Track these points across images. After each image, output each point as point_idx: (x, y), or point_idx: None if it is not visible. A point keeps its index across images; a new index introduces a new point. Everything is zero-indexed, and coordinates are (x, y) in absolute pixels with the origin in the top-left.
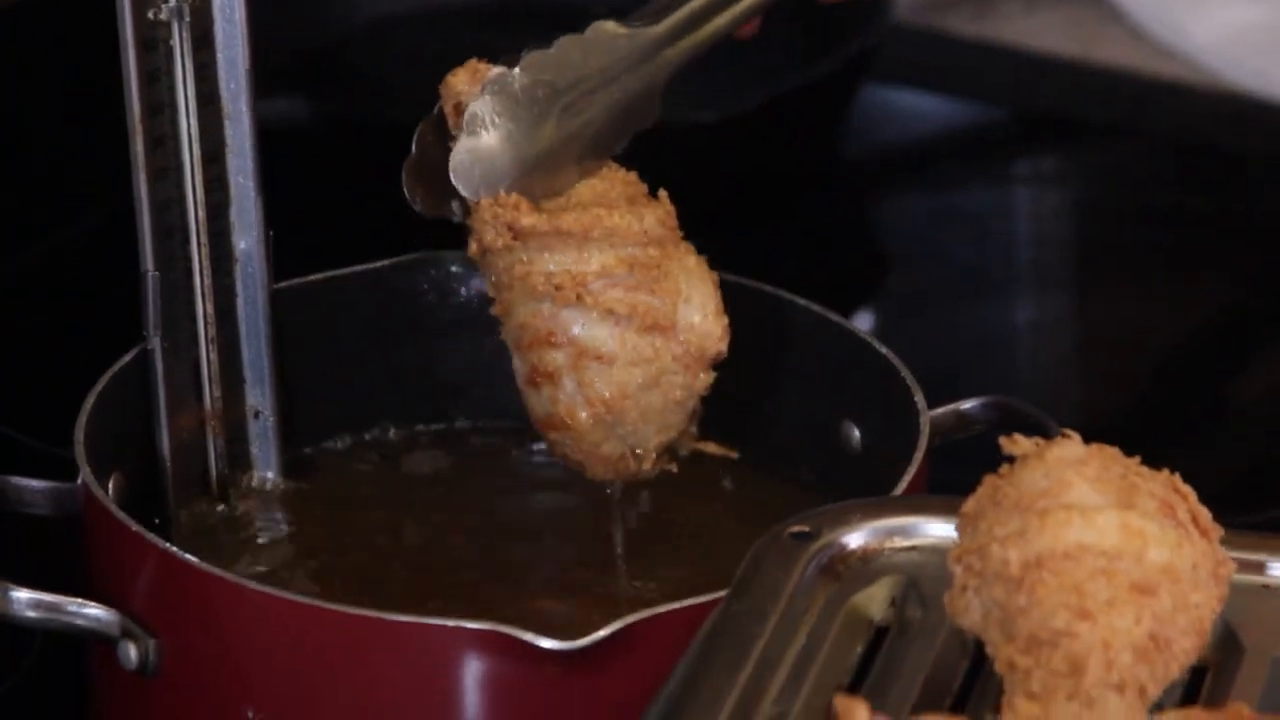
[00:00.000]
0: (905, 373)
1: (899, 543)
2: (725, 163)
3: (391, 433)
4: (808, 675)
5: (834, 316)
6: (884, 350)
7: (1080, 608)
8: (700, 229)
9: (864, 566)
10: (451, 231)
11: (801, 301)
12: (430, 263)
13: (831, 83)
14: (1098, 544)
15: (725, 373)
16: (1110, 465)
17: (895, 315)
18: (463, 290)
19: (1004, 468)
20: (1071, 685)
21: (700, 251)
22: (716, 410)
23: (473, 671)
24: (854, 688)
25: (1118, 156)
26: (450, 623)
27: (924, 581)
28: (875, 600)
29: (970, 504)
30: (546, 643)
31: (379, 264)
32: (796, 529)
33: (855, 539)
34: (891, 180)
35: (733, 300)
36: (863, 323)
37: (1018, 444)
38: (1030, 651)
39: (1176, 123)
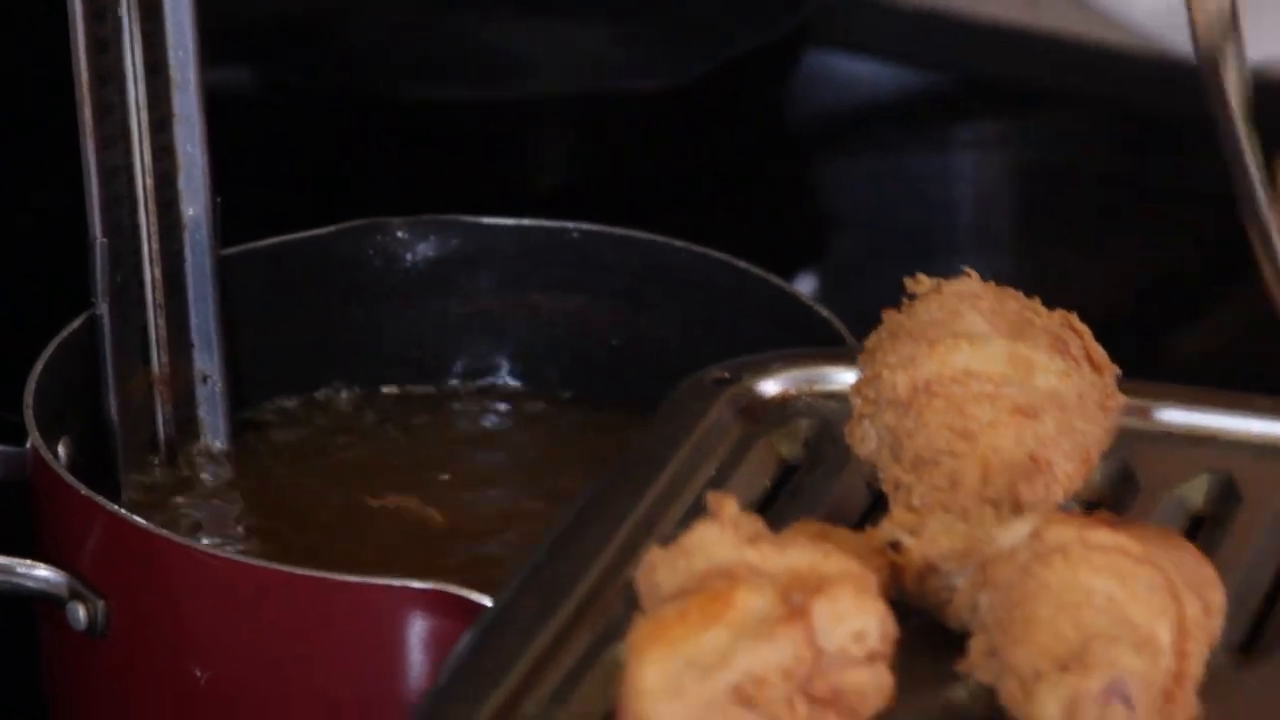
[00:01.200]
0: (847, 335)
1: (816, 389)
2: (670, 130)
3: (341, 394)
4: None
5: (775, 280)
6: (825, 313)
7: (963, 428)
8: (645, 195)
9: (781, 411)
10: (395, 199)
11: (743, 265)
12: (376, 229)
13: (776, 50)
14: (984, 370)
15: (670, 333)
16: (1005, 301)
17: (837, 278)
18: (408, 255)
19: (904, 303)
20: (948, 499)
21: (646, 218)
22: (663, 369)
23: (418, 630)
24: (768, 503)
25: (1059, 121)
26: (396, 582)
27: (837, 425)
28: (788, 440)
29: (871, 339)
30: (490, 600)
31: (326, 230)
32: (717, 375)
33: (773, 385)
34: (834, 146)
35: (677, 263)
36: (805, 285)
37: (920, 282)
38: (914, 470)
39: (1118, 89)
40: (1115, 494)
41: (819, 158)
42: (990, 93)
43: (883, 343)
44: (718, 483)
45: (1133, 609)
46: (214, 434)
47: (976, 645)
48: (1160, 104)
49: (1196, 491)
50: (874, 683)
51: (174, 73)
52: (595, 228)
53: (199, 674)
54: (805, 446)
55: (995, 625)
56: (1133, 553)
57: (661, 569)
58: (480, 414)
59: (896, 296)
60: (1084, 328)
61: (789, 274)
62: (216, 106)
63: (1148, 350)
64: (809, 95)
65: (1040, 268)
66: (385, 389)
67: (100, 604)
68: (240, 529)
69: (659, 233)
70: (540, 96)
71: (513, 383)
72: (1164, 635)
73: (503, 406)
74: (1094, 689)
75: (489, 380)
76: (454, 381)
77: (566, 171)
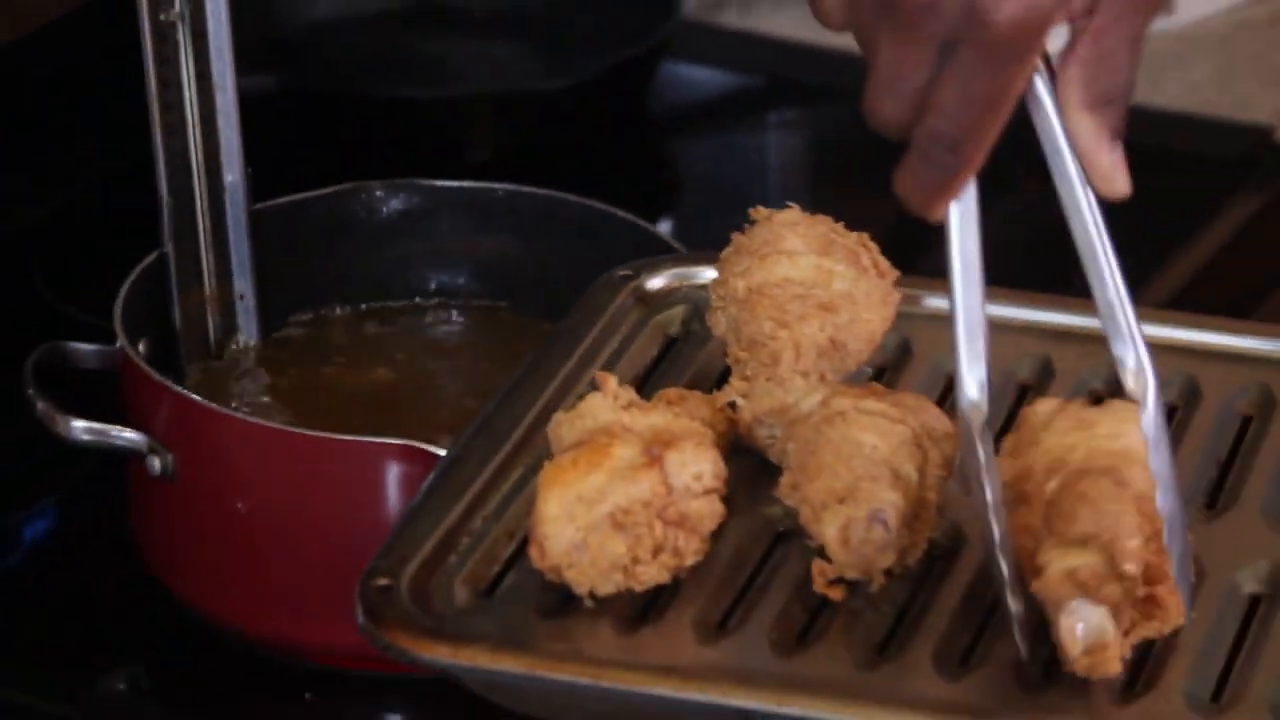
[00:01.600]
0: None
1: (691, 283)
2: (565, 118)
3: (337, 311)
4: (615, 367)
5: (642, 223)
6: (677, 244)
7: (781, 320)
8: (549, 167)
9: (667, 298)
10: (374, 168)
11: (620, 213)
12: (361, 189)
13: (642, 59)
14: (797, 277)
15: (569, 261)
16: (816, 225)
17: (688, 222)
18: (384, 209)
19: (746, 227)
20: (770, 371)
21: (550, 181)
22: (567, 287)
23: (393, 474)
24: (648, 375)
25: (839, 109)
26: (379, 440)
27: (704, 309)
28: (672, 320)
29: (725, 252)
30: (445, 452)
31: (325, 190)
32: (622, 272)
33: (661, 280)
34: (684, 128)
35: (573, 212)
36: (663, 227)
37: (759, 212)
38: (748, 349)
39: None
40: (897, 361)
41: (673, 137)
42: (791, 90)
43: (730, 256)
44: (620, 353)
45: (890, 457)
46: (249, 336)
47: (785, 480)
48: None
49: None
50: (710, 509)
51: (216, 79)
52: (515, 187)
53: (240, 506)
54: (683, 325)
55: (797, 467)
56: (891, 415)
57: (563, 426)
58: (440, 321)
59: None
60: (873, 245)
61: (652, 219)
62: (246, 104)
63: (902, 262)
64: (666, 92)
65: (825, 210)
66: (370, 305)
67: (169, 457)
68: (267, 401)
69: (560, 190)
70: (470, 94)
71: (462, 299)
72: (912, 475)
73: (456, 315)
74: (860, 516)
75: (446, 297)
76: (419, 299)
77: (492, 148)
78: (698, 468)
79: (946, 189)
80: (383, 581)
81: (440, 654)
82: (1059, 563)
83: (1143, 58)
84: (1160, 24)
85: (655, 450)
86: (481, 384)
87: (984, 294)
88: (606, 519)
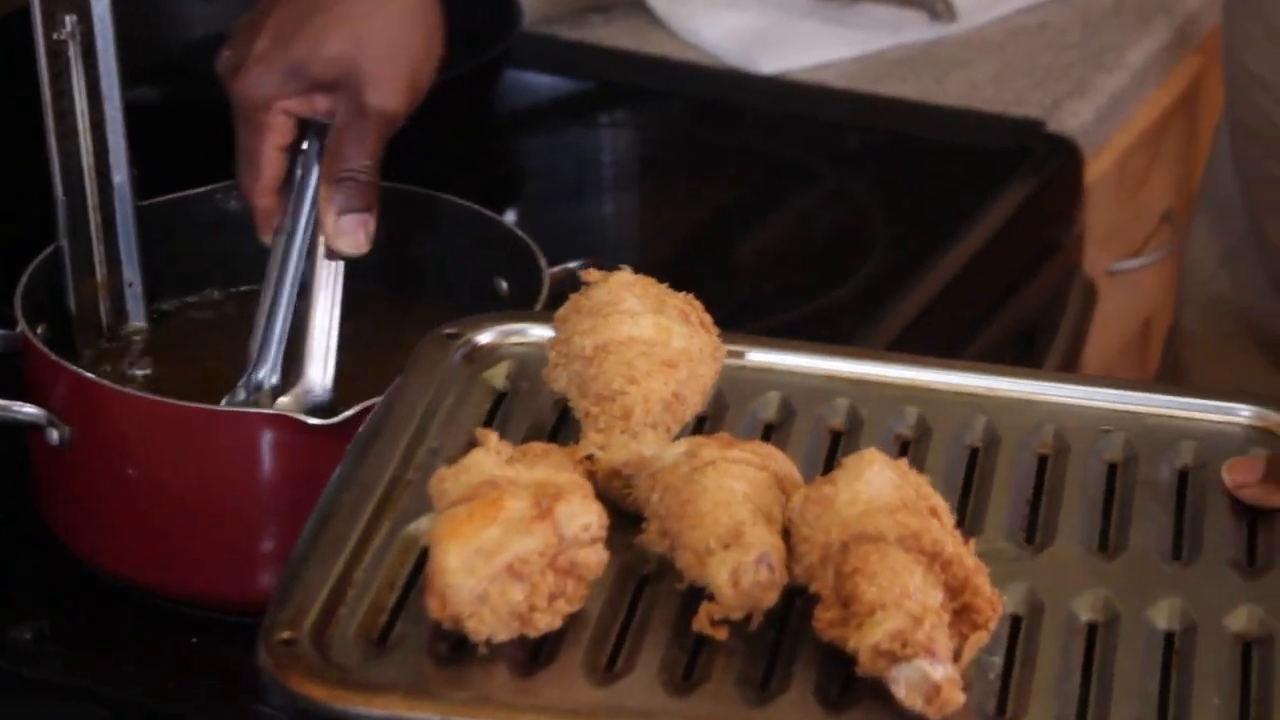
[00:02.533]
0: (534, 246)
1: (515, 339)
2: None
3: (216, 295)
4: (454, 422)
5: (489, 213)
6: (520, 232)
7: (630, 376)
8: (406, 165)
9: (492, 354)
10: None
11: (470, 205)
12: (233, 187)
13: (488, 67)
14: (641, 336)
15: (435, 249)
16: (649, 286)
17: (529, 210)
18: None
19: (583, 289)
20: (623, 425)
21: (412, 177)
22: (435, 272)
23: (267, 442)
24: (489, 423)
25: (663, 109)
26: (253, 410)
27: (529, 365)
28: (498, 376)
29: (560, 311)
30: (313, 421)
31: (203, 189)
32: (448, 331)
33: (486, 337)
34: (525, 129)
35: (424, 204)
36: (509, 216)
37: (591, 274)
38: (598, 404)
39: (699, 89)
40: (715, 411)
41: (515, 136)
42: (620, 92)
43: (570, 315)
44: (456, 408)
45: (760, 502)
46: (138, 319)
47: (652, 528)
48: (725, 96)
49: (767, 408)
50: (597, 557)
51: (104, 91)
52: (385, 184)
53: (130, 471)
54: (508, 379)
55: (667, 514)
56: (754, 462)
57: (448, 481)
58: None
59: (564, 220)
60: (698, 303)
61: (500, 210)
62: (131, 113)
63: (721, 251)
64: (508, 97)
65: (653, 200)
66: (245, 290)
67: (67, 429)
68: (154, 379)
69: (421, 186)
70: None
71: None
72: (779, 518)
73: None
74: (749, 560)
75: None
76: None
77: None
78: (586, 518)
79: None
80: (285, 635)
81: (356, 704)
82: (863, 643)
83: (930, 60)
84: (942, 31)
85: (545, 502)
86: (349, 362)
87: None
88: (505, 570)
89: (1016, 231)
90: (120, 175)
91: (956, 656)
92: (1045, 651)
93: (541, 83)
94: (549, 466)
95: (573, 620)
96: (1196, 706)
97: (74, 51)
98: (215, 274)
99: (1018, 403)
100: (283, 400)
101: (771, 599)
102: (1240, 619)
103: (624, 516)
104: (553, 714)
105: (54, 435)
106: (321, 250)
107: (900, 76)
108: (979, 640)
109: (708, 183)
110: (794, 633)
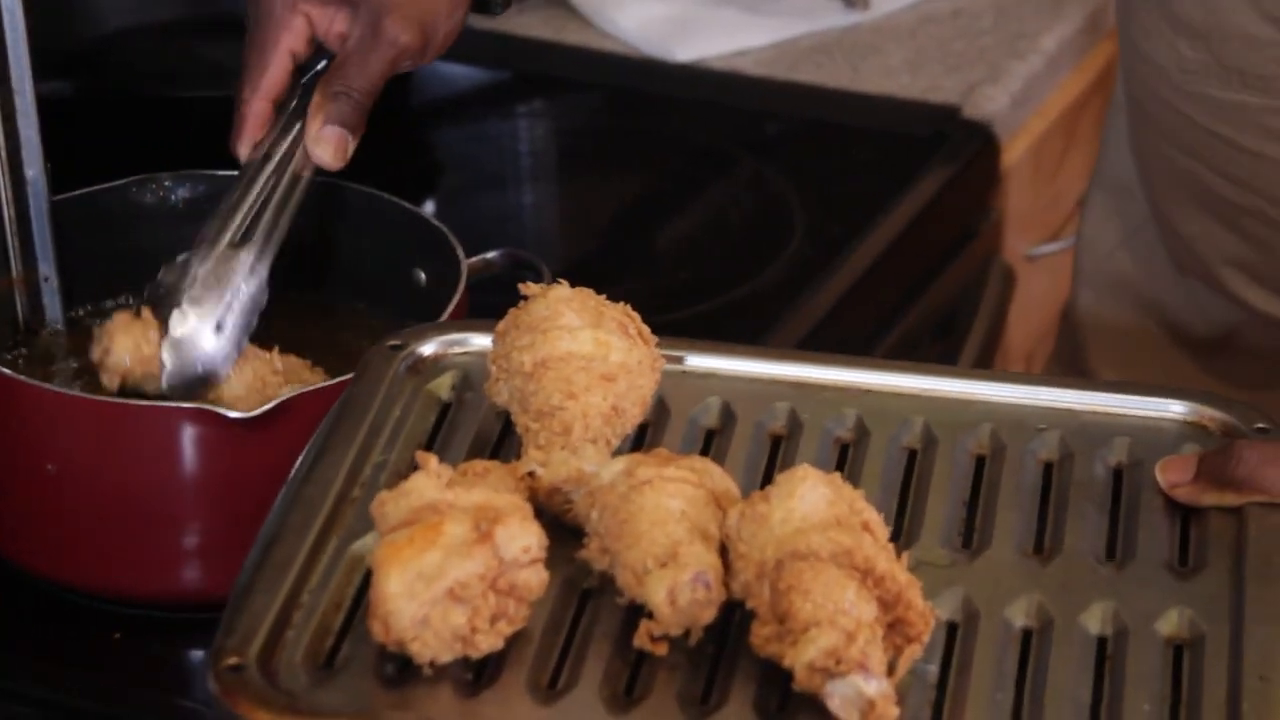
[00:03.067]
0: (451, 237)
1: (458, 350)
2: None
3: (129, 300)
4: (400, 435)
5: (408, 205)
6: (438, 223)
7: (569, 391)
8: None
9: (436, 365)
10: (162, 162)
11: (387, 196)
12: (151, 180)
13: None
14: (579, 351)
15: (354, 240)
16: (587, 300)
17: (447, 201)
18: (172, 197)
19: (521, 303)
20: (563, 440)
21: (323, 174)
22: (337, 267)
23: (189, 435)
24: (430, 442)
25: (579, 99)
26: (173, 404)
27: (474, 375)
28: (443, 387)
29: (500, 325)
30: (234, 414)
31: (119, 182)
32: (392, 343)
33: (430, 348)
34: (441, 119)
35: (341, 196)
36: (427, 207)
37: (529, 288)
38: (538, 419)
39: (615, 78)
40: (657, 418)
41: (431, 127)
42: (536, 82)
43: (509, 330)
44: (402, 422)
45: (697, 520)
46: (54, 314)
47: (592, 545)
48: (642, 85)
49: (708, 414)
50: (537, 578)
51: (15, 84)
52: None
53: (50, 467)
54: (453, 390)
55: (606, 533)
56: (690, 480)
57: (389, 505)
58: None
59: (483, 211)
60: (635, 314)
61: (417, 201)
62: (44, 106)
63: (641, 241)
64: (424, 88)
65: (569, 191)
66: None
67: None
68: (72, 376)
69: (337, 178)
70: None
71: None
72: (716, 535)
73: None
74: (685, 579)
75: None
76: None
77: None
78: (525, 540)
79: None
80: (233, 661)
81: None
82: (798, 660)
83: (845, 47)
84: (857, 18)
85: (484, 526)
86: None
87: None
88: (446, 594)
89: (934, 217)
90: (34, 169)
91: (891, 670)
92: (980, 659)
93: (457, 73)
94: (489, 487)
95: (516, 639)
96: (1127, 713)
97: None
98: (133, 269)
99: (955, 402)
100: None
101: (709, 616)
102: (1171, 622)
103: (566, 531)
104: None
105: None
106: (293, 164)
107: (816, 63)
108: (913, 654)
109: (625, 172)
110: (734, 648)
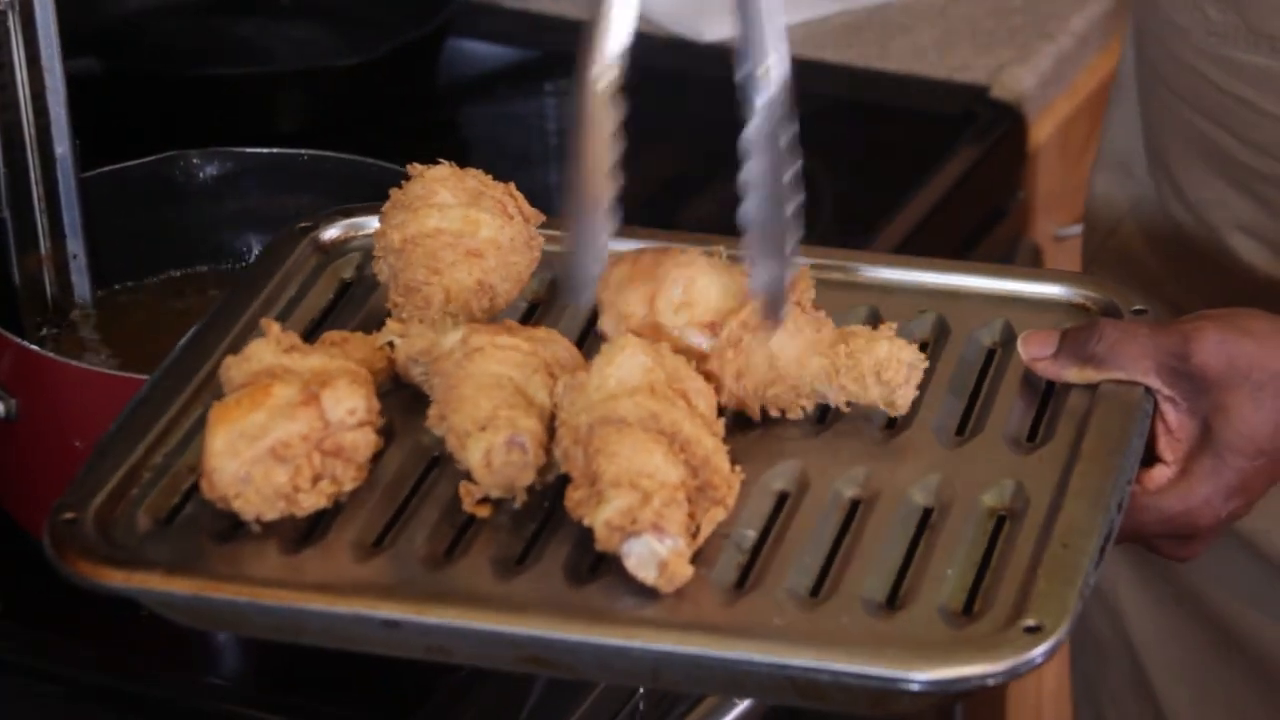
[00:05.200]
0: None
1: (364, 232)
2: (364, 89)
3: (167, 273)
4: (294, 311)
5: None
6: None
7: (433, 267)
8: (351, 135)
9: (344, 246)
10: (191, 138)
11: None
12: (180, 157)
13: (430, 37)
14: (447, 228)
15: None
16: (465, 180)
17: None
18: (200, 174)
19: (403, 182)
20: (424, 314)
21: (348, 145)
22: None
23: None
24: (323, 317)
25: None
26: None
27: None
28: (347, 266)
29: (385, 206)
30: None
31: (148, 159)
32: (302, 224)
33: (336, 230)
34: (467, 98)
35: (367, 173)
36: None
37: (413, 169)
38: (405, 295)
39: (643, 57)
40: (548, 295)
41: (460, 106)
42: (564, 62)
43: (389, 210)
44: (298, 298)
45: (524, 386)
46: (82, 291)
47: (432, 411)
48: (670, 63)
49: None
50: (364, 440)
51: (45, 62)
52: (318, 153)
53: (78, 443)
54: (356, 270)
55: (441, 400)
56: (523, 349)
57: (232, 369)
58: None
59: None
60: (520, 195)
61: None
62: (72, 83)
63: (668, 221)
64: (451, 65)
65: None
66: (188, 259)
67: (13, 401)
68: (98, 351)
69: (357, 153)
70: (277, 71)
71: None
72: (546, 402)
73: None
74: (500, 441)
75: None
76: (233, 254)
77: (300, 118)
78: (351, 403)
79: None
80: (69, 515)
81: (116, 579)
82: (596, 519)
83: (874, 26)
84: None
85: (312, 389)
86: None
87: None
88: (268, 452)
89: (962, 197)
90: (62, 146)
91: (696, 533)
92: (799, 526)
93: (485, 52)
94: (345, 356)
95: (353, 500)
96: (929, 577)
97: (14, 22)
98: (161, 247)
99: (843, 283)
100: None
101: (527, 479)
102: (997, 494)
103: (425, 400)
104: (298, 589)
105: (0, 408)
106: None
107: (845, 43)
108: (715, 516)
109: (652, 151)
110: (560, 514)
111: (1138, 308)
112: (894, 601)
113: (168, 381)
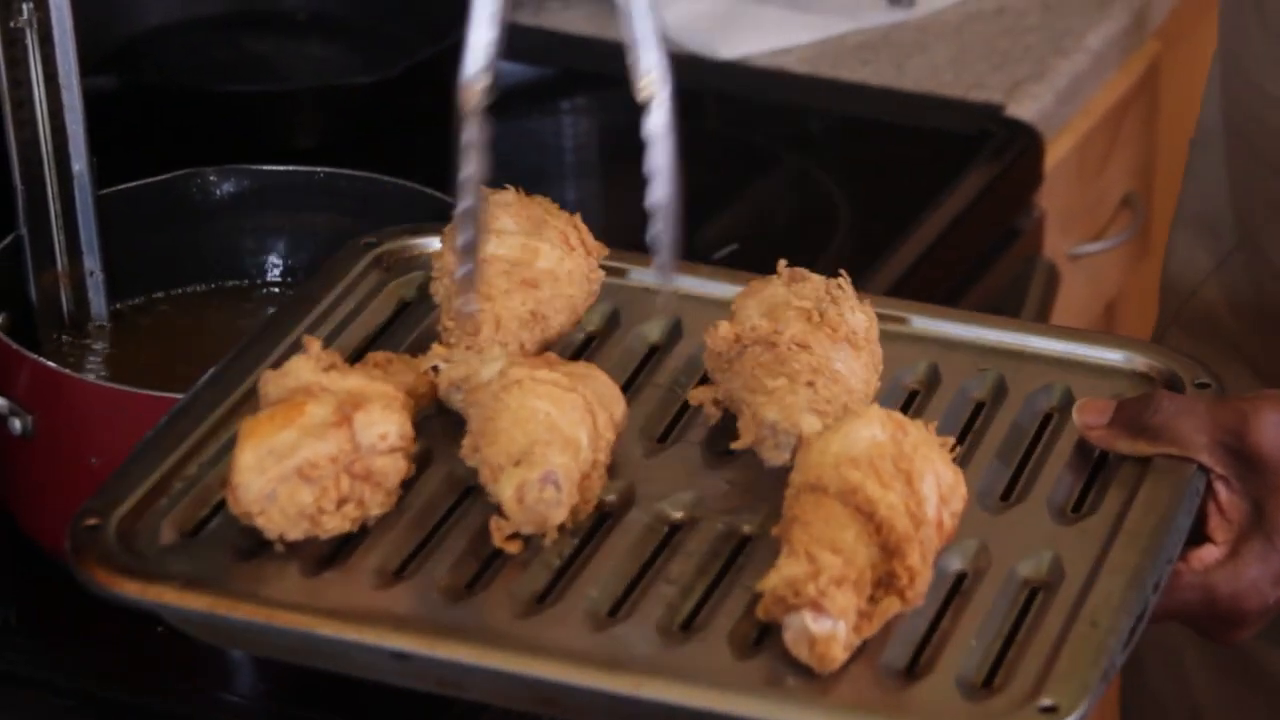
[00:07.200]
0: None
1: (429, 249)
2: (379, 108)
3: (183, 290)
4: (348, 329)
5: (451, 200)
6: None
7: (485, 294)
8: (366, 153)
9: (407, 265)
10: (208, 155)
11: (430, 191)
12: (197, 175)
13: (444, 55)
14: (505, 254)
15: None
16: (530, 206)
17: None
18: (217, 191)
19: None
20: (472, 341)
21: (365, 164)
22: None
23: None
24: (378, 336)
25: (624, 96)
26: None
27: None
28: (409, 285)
29: (447, 228)
30: None
31: (164, 176)
32: (366, 239)
33: (399, 247)
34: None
35: (382, 191)
36: None
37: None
38: (455, 319)
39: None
40: (605, 328)
41: None
42: (580, 79)
43: (450, 231)
44: (354, 315)
45: (562, 422)
46: (99, 308)
47: (466, 442)
48: (685, 81)
49: (654, 329)
50: (394, 465)
51: (62, 79)
52: (333, 170)
53: (93, 460)
54: (418, 290)
55: (477, 431)
56: (563, 384)
57: (270, 384)
58: (268, 292)
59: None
60: (583, 226)
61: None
62: (89, 100)
63: (684, 239)
64: None
65: (613, 188)
66: (204, 278)
67: (29, 418)
68: (113, 366)
69: (373, 172)
70: (294, 89)
71: (286, 270)
72: (582, 439)
73: (277, 285)
74: (534, 477)
75: (272, 269)
76: (248, 272)
77: (316, 136)
78: (384, 428)
79: None
80: (92, 521)
81: (131, 590)
82: (765, 586)
83: (890, 45)
84: (902, 16)
85: (346, 410)
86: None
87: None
88: (295, 472)
89: (977, 216)
90: (79, 163)
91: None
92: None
93: (502, 70)
94: (388, 379)
95: (380, 525)
96: (952, 647)
97: (31, 39)
98: (178, 262)
99: (902, 335)
100: None
101: (559, 516)
102: (1034, 565)
103: (466, 428)
104: (312, 614)
105: (16, 425)
106: None
107: (860, 61)
108: (889, 607)
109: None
110: (590, 553)
111: (1201, 380)
112: (913, 669)
113: (210, 392)
